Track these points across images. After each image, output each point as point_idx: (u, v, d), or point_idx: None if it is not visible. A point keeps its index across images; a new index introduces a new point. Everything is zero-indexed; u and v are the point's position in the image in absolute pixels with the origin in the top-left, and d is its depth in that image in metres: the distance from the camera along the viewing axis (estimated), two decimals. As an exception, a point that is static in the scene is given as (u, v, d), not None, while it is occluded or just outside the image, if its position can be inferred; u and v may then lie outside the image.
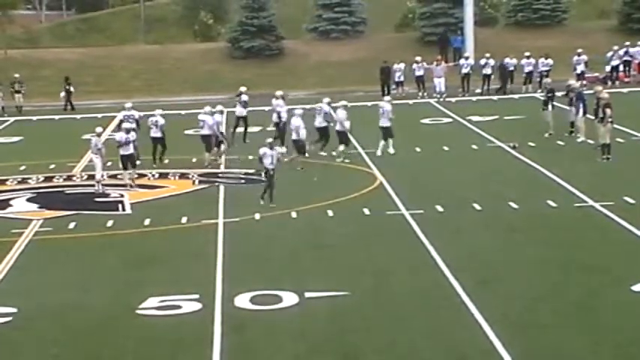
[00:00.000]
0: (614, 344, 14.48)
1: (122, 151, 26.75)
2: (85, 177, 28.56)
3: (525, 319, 15.63)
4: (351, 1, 53.40)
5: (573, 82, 32.62)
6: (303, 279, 18.08)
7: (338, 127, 29.41)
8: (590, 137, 29.28)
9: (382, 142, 29.78)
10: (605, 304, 16.14)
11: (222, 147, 29.86)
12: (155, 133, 29.70)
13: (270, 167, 23.72)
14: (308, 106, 31.73)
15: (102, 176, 26.92)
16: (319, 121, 29.98)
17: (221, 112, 30.18)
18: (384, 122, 29.87)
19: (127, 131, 27.05)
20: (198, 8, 62.34)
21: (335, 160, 29.02)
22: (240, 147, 31.45)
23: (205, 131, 29.39)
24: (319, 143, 29.93)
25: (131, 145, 26.81)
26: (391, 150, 29.69)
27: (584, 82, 35.08)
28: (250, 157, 28.81)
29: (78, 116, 42.16)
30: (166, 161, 29.76)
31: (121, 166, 27.01)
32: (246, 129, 32.98)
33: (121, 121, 31.38)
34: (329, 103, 30.54)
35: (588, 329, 15.14)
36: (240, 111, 32.87)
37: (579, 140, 30.16)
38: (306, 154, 28.54)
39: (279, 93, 32.43)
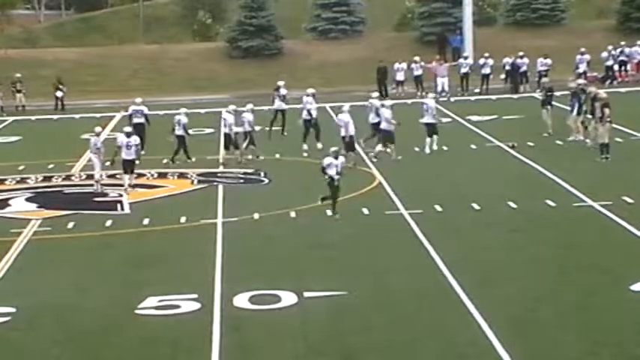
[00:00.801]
0: (613, 344, 14.47)
1: (124, 155, 26.38)
2: (84, 176, 28.54)
3: (524, 319, 15.62)
4: (349, 1, 53.40)
5: (582, 82, 32.48)
6: (302, 279, 18.07)
7: (383, 126, 29.20)
8: (585, 136, 29.42)
9: (428, 139, 29.79)
10: (605, 304, 16.13)
11: (251, 145, 29.75)
12: (178, 131, 29.94)
13: (335, 177, 22.33)
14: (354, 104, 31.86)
15: (101, 176, 26.90)
16: (372, 117, 29.99)
17: (252, 111, 30.10)
18: (429, 119, 29.87)
19: (128, 135, 26.67)
20: (196, 8, 62.35)
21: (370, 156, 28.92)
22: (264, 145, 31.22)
23: (227, 130, 29.53)
24: (374, 138, 29.78)
25: (133, 149, 26.41)
26: (434, 147, 29.69)
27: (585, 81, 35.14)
28: (277, 156, 28.82)
29: (77, 116, 42.15)
30: (178, 162, 29.75)
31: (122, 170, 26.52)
32: (284, 123, 33.40)
33: (130, 116, 32.07)
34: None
35: (587, 329, 15.13)
36: (279, 104, 33.71)
37: (570, 139, 30.18)
38: (355, 151, 28.44)
39: (310, 90, 32.54)
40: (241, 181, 27.57)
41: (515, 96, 42.06)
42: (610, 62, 44.61)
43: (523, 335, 14.93)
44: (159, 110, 41.71)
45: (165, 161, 29.87)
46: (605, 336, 14.79)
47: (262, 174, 27.89)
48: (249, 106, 30.34)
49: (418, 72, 43.47)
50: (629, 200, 22.76)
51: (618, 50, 44.74)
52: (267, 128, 33.22)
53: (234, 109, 30.04)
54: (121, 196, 25.84)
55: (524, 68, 43.63)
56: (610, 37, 48.37)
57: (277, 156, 30.29)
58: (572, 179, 25.00)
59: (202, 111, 41.45)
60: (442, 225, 21.44)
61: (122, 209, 24.65)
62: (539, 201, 23.12)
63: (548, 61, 43.26)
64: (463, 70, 43.86)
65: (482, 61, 43.86)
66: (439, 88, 42.55)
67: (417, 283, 17.64)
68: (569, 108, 30.79)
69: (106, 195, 26.17)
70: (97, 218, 23.62)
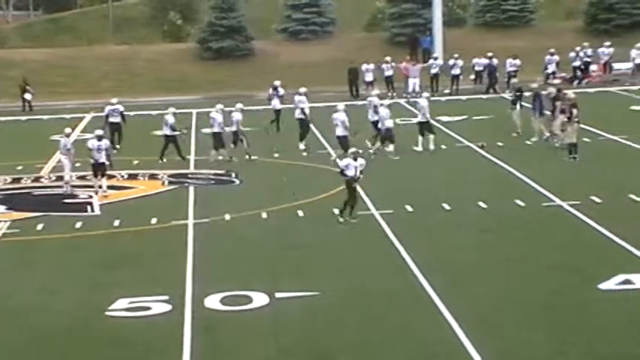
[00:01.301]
0: (582, 343, 14.59)
1: (96, 159, 25.90)
2: (54, 178, 28.38)
3: (495, 319, 15.71)
4: (320, 2, 53.45)
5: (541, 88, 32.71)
6: (274, 280, 18.07)
7: (380, 125, 29.43)
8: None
9: (420, 138, 30.09)
10: (574, 303, 16.25)
11: (244, 143, 29.74)
12: (166, 130, 30.10)
13: (353, 179, 21.90)
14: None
15: (71, 177, 26.76)
16: (371, 115, 30.27)
17: (241, 110, 30.15)
18: (421, 118, 30.23)
19: (99, 138, 26.32)
20: (167, 9, 62.13)
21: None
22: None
23: (216, 129, 29.52)
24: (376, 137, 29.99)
25: (103, 153, 26.04)
26: (431, 146, 29.98)
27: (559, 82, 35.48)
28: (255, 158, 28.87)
29: (45, 117, 41.89)
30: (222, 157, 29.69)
31: (92, 172, 26.22)
32: (278, 121, 33.84)
33: (107, 116, 32.60)
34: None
35: (556, 328, 15.24)
36: (275, 104, 34.30)
37: (534, 140, 30.43)
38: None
39: (302, 89, 32.79)
40: (212, 182, 27.52)
41: (484, 96, 42.26)
42: (577, 63, 44.96)
43: (493, 335, 15.02)
44: (129, 111, 41.47)
45: (160, 161, 29.73)
46: (573, 335, 14.91)
47: (233, 175, 27.87)
48: (239, 105, 30.42)
49: (389, 72, 43.61)
50: (597, 200, 22.96)
51: (582, 52, 45.03)
52: (267, 127, 33.96)
53: (222, 109, 30.00)
54: (91, 197, 25.72)
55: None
56: (578, 38, 48.75)
57: (247, 157, 30.24)
58: (541, 179, 25.18)
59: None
60: (413, 225, 21.52)
61: (92, 211, 24.54)
62: (508, 201, 23.26)
63: (518, 61, 43.54)
64: (433, 71, 44.04)
65: (452, 61, 44.06)
66: (410, 89, 42.72)
67: (388, 283, 17.70)
68: (531, 109, 31.05)
69: (76, 196, 26.04)
70: (67, 220, 23.50)
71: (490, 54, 44.24)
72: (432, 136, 30.12)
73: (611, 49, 45.38)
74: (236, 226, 22.32)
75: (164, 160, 29.78)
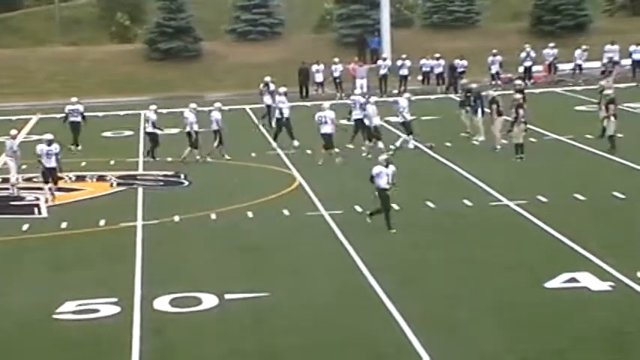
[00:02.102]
0: (530, 340, 14.77)
1: (45, 164, 25.19)
2: (0, 180, 28.05)
3: (443, 318, 15.85)
4: (269, 3, 53.42)
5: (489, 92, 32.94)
6: (223, 281, 18.06)
7: (367, 122, 29.78)
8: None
9: (403, 137, 30.48)
10: (521, 302, 16.44)
11: (220, 145, 29.73)
12: (148, 128, 30.19)
13: (385, 187, 20.84)
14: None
15: (17, 179, 26.47)
16: (356, 114, 30.53)
17: (220, 110, 30.12)
18: (401, 118, 30.59)
19: (49, 143, 25.57)
20: (114, 9, 61.65)
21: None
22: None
23: (188, 128, 29.42)
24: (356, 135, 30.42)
25: (53, 158, 25.32)
26: (410, 145, 30.31)
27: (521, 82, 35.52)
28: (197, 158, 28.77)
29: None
30: (227, 157, 29.59)
31: (42, 178, 25.51)
32: (270, 116, 34.33)
33: (67, 116, 32.56)
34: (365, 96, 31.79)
35: (505, 327, 15.40)
36: (267, 99, 34.91)
37: (480, 139, 30.72)
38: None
39: (282, 89, 32.81)
40: (161, 183, 27.41)
41: (432, 97, 42.53)
42: (529, 63, 45.38)
43: (442, 334, 15.15)
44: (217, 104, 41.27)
45: (227, 157, 29.58)
46: (522, 333, 15.09)
47: (182, 176, 27.78)
48: (217, 104, 30.40)
49: (337, 73, 43.75)
50: (543, 199, 23.24)
51: (524, 54, 45.38)
52: (264, 123, 34.86)
53: (195, 108, 29.86)
54: (38, 199, 25.47)
55: (439, 69, 44.26)
56: (523, 39, 49.22)
57: (197, 158, 30.16)
58: (488, 179, 25.42)
59: (121, 113, 41.07)
60: (362, 225, 21.60)
61: (39, 213, 24.31)
62: (456, 201, 23.46)
63: (465, 62, 43.88)
64: (382, 72, 44.25)
65: (399, 62, 44.30)
66: (357, 90, 42.78)
67: (338, 283, 17.77)
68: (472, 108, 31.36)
69: (22, 199, 25.77)
70: (14, 222, 23.26)
71: (437, 55, 44.58)
72: (411, 136, 30.49)
73: (556, 50, 45.90)
74: (185, 227, 22.26)
75: (156, 159, 29.64)
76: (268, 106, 35.05)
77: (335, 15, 54.41)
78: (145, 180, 27.65)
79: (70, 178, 28.05)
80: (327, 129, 28.59)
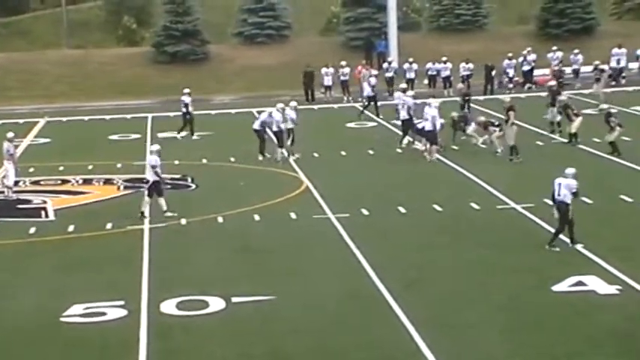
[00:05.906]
0: (536, 344, 14.76)
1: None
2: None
3: (450, 321, 15.83)
4: (276, 6, 53.46)
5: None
6: (230, 284, 18.06)
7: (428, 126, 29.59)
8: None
9: (406, 138, 30.70)
10: (528, 305, 16.42)
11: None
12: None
13: (567, 201, 19.41)
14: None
15: (15, 183, 26.30)
16: (403, 115, 30.85)
17: (295, 109, 30.17)
18: (405, 115, 30.80)
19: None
20: (121, 12, 61.77)
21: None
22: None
23: (275, 128, 29.50)
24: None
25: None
26: (403, 143, 30.62)
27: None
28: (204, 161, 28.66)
29: (-1, 122, 41.46)
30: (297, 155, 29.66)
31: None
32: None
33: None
34: (414, 97, 32.00)
35: (512, 330, 15.40)
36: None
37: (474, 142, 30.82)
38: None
39: (293, 104, 31.35)
40: (168, 186, 27.38)
41: (439, 100, 42.43)
42: (527, 67, 45.27)
43: (449, 337, 15.14)
44: (84, 116, 41.40)
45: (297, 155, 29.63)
46: (529, 336, 15.08)
47: (189, 179, 27.79)
48: (293, 103, 30.50)
49: (345, 77, 43.75)
50: (550, 202, 23.11)
51: (529, 56, 45.25)
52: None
53: (283, 107, 29.89)
54: (45, 202, 25.50)
55: (447, 73, 44.21)
56: (530, 43, 49.17)
57: (204, 161, 30.21)
58: (494, 182, 25.35)
59: (128, 116, 41.13)
60: (369, 228, 21.60)
61: (46, 216, 24.35)
62: (463, 204, 23.43)
63: (471, 65, 43.83)
64: (388, 75, 44.22)
65: (406, 65, 44.29)
66: (365, 93, 42.72)
67: (345, 286, 17.76)
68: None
69: (29, 202, 25.80)
70: (21, 225, 23.29)
71: (444, 58, 44.51)
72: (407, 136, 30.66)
73: (560, 54, 45.58)
74: (192, 230, 22.26)
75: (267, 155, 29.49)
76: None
77: (342, 18, 54.45)
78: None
79: (77, 182, 28.06)
80: (427, 126, 28.82)
